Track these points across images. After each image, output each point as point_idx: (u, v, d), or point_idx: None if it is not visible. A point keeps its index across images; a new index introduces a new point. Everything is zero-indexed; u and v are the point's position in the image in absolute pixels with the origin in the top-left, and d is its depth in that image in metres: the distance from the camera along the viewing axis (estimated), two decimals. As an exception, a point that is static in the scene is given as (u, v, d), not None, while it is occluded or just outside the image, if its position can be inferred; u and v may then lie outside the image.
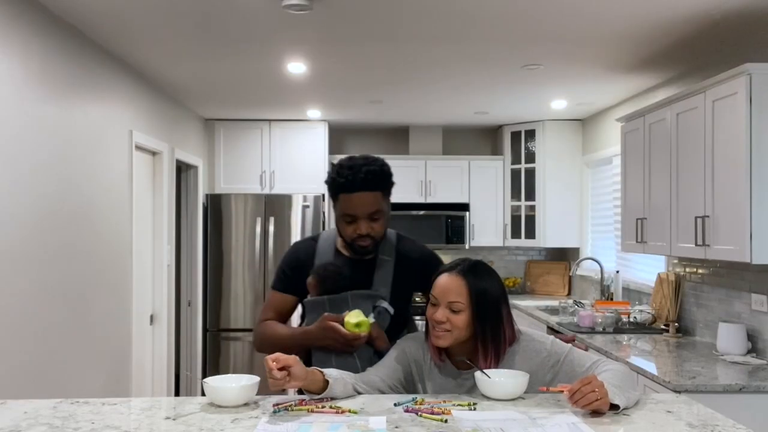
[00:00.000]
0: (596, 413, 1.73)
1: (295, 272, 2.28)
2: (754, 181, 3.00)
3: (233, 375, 1.93)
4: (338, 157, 6.48)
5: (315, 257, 2.27)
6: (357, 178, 2.09)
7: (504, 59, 4.07)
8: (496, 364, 1.96)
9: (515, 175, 6.59)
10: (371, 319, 2.11)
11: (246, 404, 1.83)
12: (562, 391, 1.79)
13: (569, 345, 2.06)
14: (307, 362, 2.08)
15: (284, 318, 2.32)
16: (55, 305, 3.27)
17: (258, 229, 6.15)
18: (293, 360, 1.80)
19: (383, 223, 2.19)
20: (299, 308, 2.35)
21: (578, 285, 6.30)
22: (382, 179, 2.15)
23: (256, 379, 1.87)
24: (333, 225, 2.35)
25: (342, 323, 2.07)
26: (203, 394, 1.92)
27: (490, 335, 1.95)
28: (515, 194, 6.59)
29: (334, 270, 2.20)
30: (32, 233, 3.05)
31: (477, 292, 1.93)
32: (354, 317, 2.05)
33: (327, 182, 2.17)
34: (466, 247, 6.50)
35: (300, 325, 2.32)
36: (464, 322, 1.93)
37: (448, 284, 1.95)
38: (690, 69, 4.23)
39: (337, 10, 3.17)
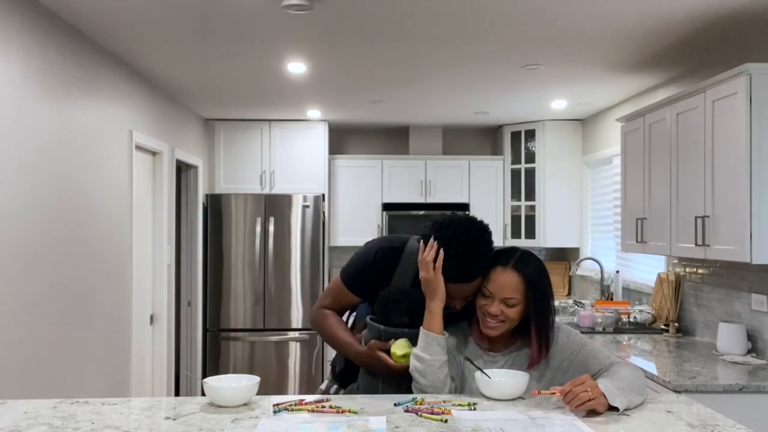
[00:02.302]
0: (592, 413, 1.73)
1: (373, 279, 2.16)
2: (754, 181, 3.00)
3: (233, 375, 1.93)
4: (339, 159, 6.56)
5: (396, 272, 2.14)
6: (459, 273, 1.95)
7: (504, 59, 4.08)
8: (546, 353, 1.99)
9: (515, 175, 6.59)
10: None
11: (246, 404, 1.83)
12: (554, 393, 1.80)
13: (590, 340, 2.09)
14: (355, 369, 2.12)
15: (342, 311, 2.27)
16: (55, 305, 3.27)
17: (258, 229, 6.15)
18: None
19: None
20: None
21: (578, 285, 6.30)
22: (484, 266, 1.99)
23: (256, 379, 1.87)
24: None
25: (388, 352, 2.01)
26: (203, 394, 1.92)
27: (543, 327, 1.97)
28: (515, 194, 6.60)
29: (399, 312, 2.09)
30: (32, 233, 3.05)
31: (532, 287, 1.96)
32: (401, 348, 1.99)
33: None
34: (466, 247, 6.50)
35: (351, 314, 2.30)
36: (518, 314, 1.97)
37: (504, 280, 1.96)
38: (690, 69, 4.23)
39: (337, 10, 3.17)
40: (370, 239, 2.29)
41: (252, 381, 1.86)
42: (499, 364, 2.01)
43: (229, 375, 1.93)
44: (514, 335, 2.04)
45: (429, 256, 1.95)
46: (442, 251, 1.95)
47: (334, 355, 2.32)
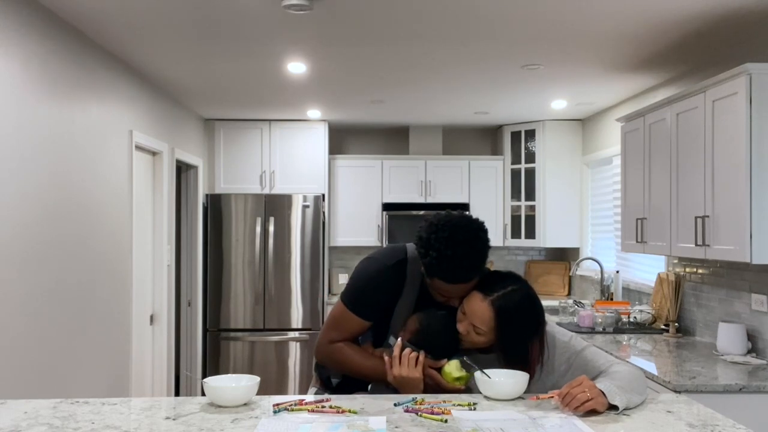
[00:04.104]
0: (592, 413, 1.73)
1: (385, 301, 2.10)
2: (754, 181, 3.00)
3: (233, 375, 1.93)
4: (339, 159, 6.56)
5: (404, 287, 2.09)
6: (458, 275, 1.92)
7: (504, 59, 4.08)
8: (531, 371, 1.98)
9: (515, 175, 6.59)
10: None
11: (246, 404, 1.83)
12: (552, 397, 1.80)
13: (588, 343, 2.08)
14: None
15: (352, 340, 2.14)
16: (55, 305, 3.27)
17: (258, 229, 6.15)
18: None
19: None
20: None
21: (578, 285, 6.30)
22: (482, 265, 1.96)
23: (256, 379, 1.87)
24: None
25: (439, 371, 1.99)
26: (203, 394, 1.92)
27: (508, 360, 1.96)
28: (515, 194, 6.60)
29: (448, 340, 2.04)
30: (32, 233, 3.05)
31: (503, 329, 1.93)
32: (456, 371, 1.98)
33: (422, 260, 1.95)
34: (466, 247, 6.50)
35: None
36: (485, 342, 1.97)
37: (476, 309, 1.95)
38: (690, 69, 4.23)
39: (337, 10, 3.17)
40: (366, 256, 2.19)
41: (252, 381, 1.86)
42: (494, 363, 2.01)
43: (229, 375, 1.93)
44: None
45: (412, 354, 1.94)
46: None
47: (315, 362, 2.24)
